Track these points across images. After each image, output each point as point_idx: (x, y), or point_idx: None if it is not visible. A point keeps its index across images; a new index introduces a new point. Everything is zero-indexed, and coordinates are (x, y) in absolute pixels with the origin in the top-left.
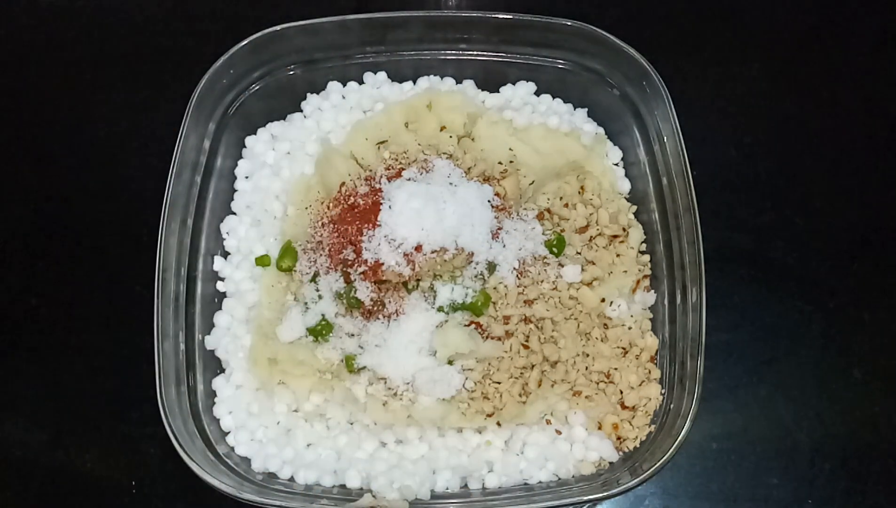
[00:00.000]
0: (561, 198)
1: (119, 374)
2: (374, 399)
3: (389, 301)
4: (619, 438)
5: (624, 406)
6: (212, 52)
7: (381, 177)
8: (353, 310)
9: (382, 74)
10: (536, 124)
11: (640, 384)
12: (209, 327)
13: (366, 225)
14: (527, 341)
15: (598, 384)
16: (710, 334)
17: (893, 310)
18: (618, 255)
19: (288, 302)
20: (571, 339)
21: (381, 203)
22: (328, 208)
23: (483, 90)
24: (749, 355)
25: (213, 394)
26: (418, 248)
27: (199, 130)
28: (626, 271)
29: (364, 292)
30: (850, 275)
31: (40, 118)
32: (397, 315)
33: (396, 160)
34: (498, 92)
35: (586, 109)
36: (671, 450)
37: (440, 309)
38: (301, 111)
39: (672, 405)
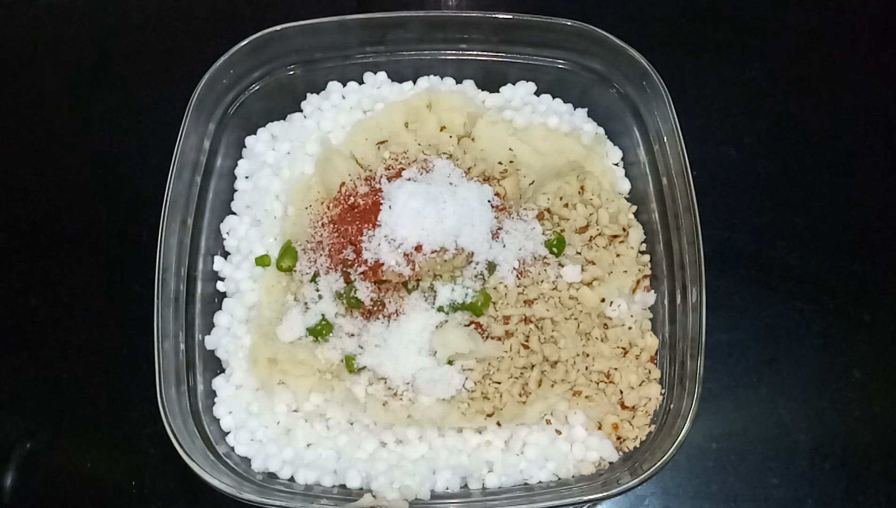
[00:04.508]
0: (561, 198)
1: (119, 374)
2: (374, 399)
3: (389, 301)
4: (619, 438)
5: (624, 406)
6: (212, 52)
7: (381, 177)
8: (353, 310)
9: (382, 74)
10: (536, 124)
11: (640, 384)
12: (209, 327)
13: (366, 225)
14: (527, 341)
15: (598, 384)
16: (710, 334)
17: (893, 310)
18: (618, 255)
19: (288, 302)
20: (571, 339)
21: (381, 203)
22: (328, 208)
23: (483, 90)
24: (749, 355)
25: (213, 394)
26: (418, 248)
27: (199, 130)
28: (626, 271)
29: (364, 292)
30: (850, 275)
31: (40, 118)
32: (397, 315)
33: (396, 160)
34: (498, 92)
35: (586, 109)
36: (671, 450)
37: (440, 309)
38: (301, 111)
39: (672, 405)
